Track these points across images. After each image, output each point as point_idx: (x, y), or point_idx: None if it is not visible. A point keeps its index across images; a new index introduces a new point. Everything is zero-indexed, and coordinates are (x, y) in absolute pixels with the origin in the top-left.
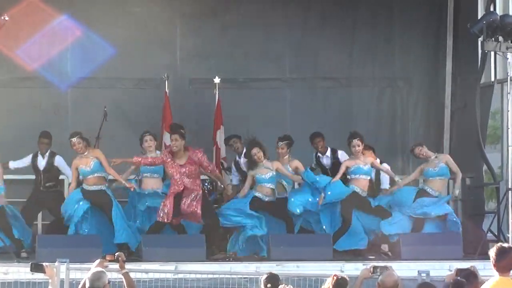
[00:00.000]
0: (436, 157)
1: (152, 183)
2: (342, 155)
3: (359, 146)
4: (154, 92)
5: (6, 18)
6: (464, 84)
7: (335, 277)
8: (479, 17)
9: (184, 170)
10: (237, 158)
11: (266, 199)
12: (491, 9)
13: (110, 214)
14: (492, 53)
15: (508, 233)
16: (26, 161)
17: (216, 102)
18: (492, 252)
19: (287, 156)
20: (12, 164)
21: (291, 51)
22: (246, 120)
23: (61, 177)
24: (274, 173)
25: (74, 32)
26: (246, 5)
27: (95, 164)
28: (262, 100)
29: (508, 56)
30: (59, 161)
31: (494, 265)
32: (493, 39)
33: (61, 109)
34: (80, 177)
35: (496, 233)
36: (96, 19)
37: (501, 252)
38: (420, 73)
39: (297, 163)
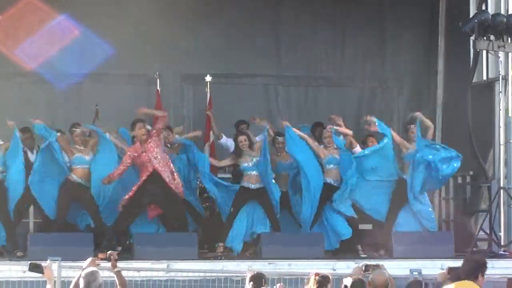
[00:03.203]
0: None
1: None
2: None
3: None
4: (146, 88)
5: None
6: (456, 84)
7: (316, 276)
8: (470, 16)
9: None
10: None
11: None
12: (483, 8)
13: None
14: (484, 52)
15: (500, 232)
16: None
17: (208, 100)
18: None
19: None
20: None
21: (284, 49)
22: (238, 116)
23: None
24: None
25: (71, 31)
26: (239, 4)
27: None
28: (254, 96)
29: (499, 55)
30: None
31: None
32: (484, 38)
33: (52, 105)
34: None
35: (488, 232)
36: (90, 17)
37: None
38: (412, 73)
39: None
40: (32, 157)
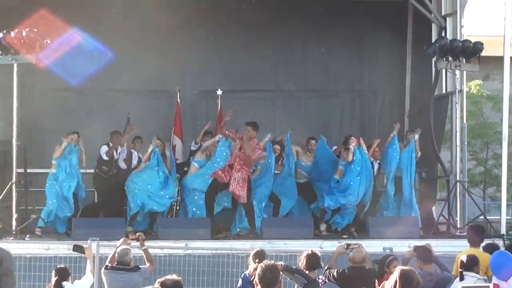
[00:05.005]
0: None
1: None
2: None
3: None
4: (167, 101)
5: (48, 42)
6: (421, 96)
7: (309, 252)
8: (433, 41)
9: None
10: None
11: None
12: (443, 34)
13: None
14: (444, 70)
15: (457, 217)
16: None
17: (218, 111)
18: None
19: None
20: None
21: (280, 68)
22: (243, 123)
23: None
24: None
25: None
26: (245, 29)
27: None
28: (256, 107)
29: (456, 73)
30: None
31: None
32: (444, 59)
33: (90, 114)
34: None
35: (447, 217)
36: (120, 42)
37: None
38: (385, 87)
39: None
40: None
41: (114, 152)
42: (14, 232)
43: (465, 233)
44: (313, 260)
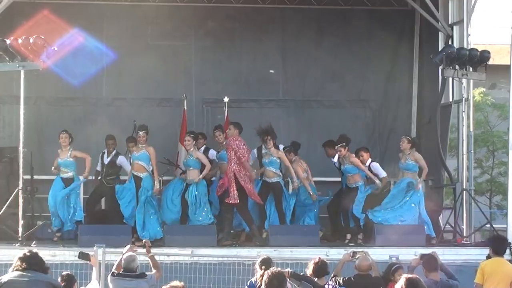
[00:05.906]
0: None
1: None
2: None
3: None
4: (173, 110)
5: (56, 49)
6: (427, 104)
7: (317, 260)
8: (439, 49)
9: None
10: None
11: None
12: (450, 42)
13: None
14: (450, 78)
15: (463, 225)
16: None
17: (225, 118)
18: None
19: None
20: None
21: (284, 77)
22: (248, 132)
23: None
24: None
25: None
26: (248, 39)
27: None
28: (260, 117)
29: (463, 81)
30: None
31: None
32: (451, 67)
33: (98, 123)
34: None
35: (453, 225)
36: (126, 51)
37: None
38: (391, 95)
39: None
40: (105, 159)
41: (105, 157)
42: (20, 239)
43: (470, 242)
44: (321, 267)
